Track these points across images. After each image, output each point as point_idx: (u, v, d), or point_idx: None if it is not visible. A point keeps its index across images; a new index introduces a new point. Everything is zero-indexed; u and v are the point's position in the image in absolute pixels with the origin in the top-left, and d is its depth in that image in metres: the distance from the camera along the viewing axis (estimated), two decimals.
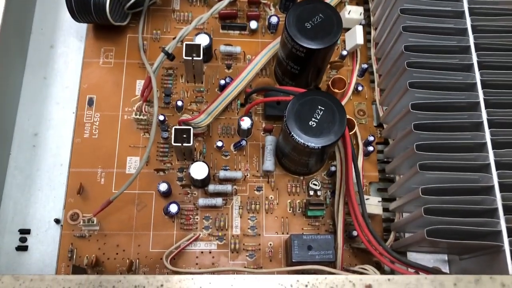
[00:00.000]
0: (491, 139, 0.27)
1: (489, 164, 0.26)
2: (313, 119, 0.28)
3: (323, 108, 0.28)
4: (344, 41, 0.36)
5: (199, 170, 0.30)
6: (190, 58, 0.31)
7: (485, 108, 0.27)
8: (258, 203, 0.32)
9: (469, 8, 0.30)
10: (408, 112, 0.28)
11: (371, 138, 0.33)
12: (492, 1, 0.30)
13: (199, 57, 0.31)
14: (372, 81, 0.36)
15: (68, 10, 0.32)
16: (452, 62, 0.29)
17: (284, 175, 0.33)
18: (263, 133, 0.34)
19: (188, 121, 0.31)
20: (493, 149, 0.27)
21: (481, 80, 0.28)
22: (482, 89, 0.28)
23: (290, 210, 0.32)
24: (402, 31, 0.29)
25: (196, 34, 0.34)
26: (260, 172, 0.33)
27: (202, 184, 0.31)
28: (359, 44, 0.35)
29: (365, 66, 0.35)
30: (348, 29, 0.36)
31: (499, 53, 0.29)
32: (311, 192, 0.32)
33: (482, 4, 0.30)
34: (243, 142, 0.33)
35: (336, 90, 0.34)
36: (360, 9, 0.36)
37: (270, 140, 0.32)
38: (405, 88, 0.28)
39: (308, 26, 0.30)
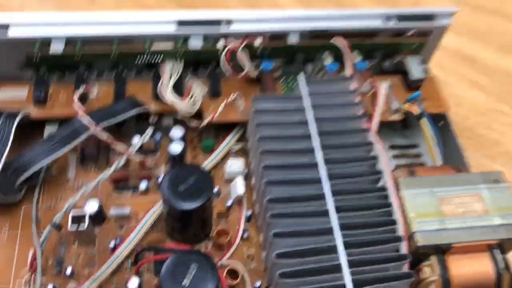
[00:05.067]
0: None
1: None
2: (186, 279, 0.29)
3: (197, 265, 0.30)
4: None
5: None
6: (75, 228, 0.33)
7: None
8: None
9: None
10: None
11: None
12: None
13: (85, 226, 0.33)
14: None
15: None
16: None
17: None
18: None
19: None
20: None
21: None
22: None
23: None
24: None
25: (87, 200, 0.36)
26: None
27: None
28: (240, 195, 0.38)
29: (249, 213, 0.38)
30: (231, 181, 0.39)
31: None
32: None
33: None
34: None
35: (221, 241, 0.36)
36: (241, 161, 0.40)
37: None
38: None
39: (182, 188, 0.33)
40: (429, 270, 0.32)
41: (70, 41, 0.38)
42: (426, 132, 0.41)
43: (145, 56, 0.39)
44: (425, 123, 0.41)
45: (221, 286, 0.31)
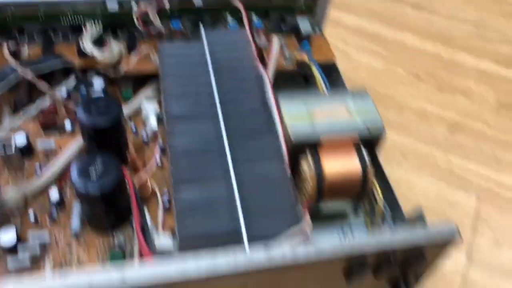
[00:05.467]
0: None
1: None
2: (92, 174, 0.35)
3: (101, 163, 0.35)
4: None
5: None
6: (2, 151, 0.39)
7: None
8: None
9: None
10: None
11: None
12: None
13: (12, 150, 0.39)
14: None
15: None
16: None
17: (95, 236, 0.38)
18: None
19: None
20: None
21: None
22: None
23: None
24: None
25: (15, 134, 0.41)
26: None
27: None
28: (154, 128, 0.44)
29: (162, 145, 0.44)
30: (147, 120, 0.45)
31: None
32: None
33: None
34: (54, 213, 0.38)
35: (137, 165, 0.42)
36: (155, 104, 0.46)
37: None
38: None
39: (94, 110, 0.38)
40: (306, 167, 0.38)
41: (1, 7, 0.45)
42: (316, 77, 0.48)
43: (69, 18, 0.46)
44: (315, 70, 0.48)
45: (126, 181, 0.36)
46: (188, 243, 0.32)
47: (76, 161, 0.35)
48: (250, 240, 0.32)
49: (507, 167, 0.52)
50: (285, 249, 0.31)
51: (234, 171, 0.35)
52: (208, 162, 0.36)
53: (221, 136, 0.37)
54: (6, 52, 0.42)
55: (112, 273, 0.28)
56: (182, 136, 0.37)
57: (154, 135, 0.45)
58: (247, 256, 0.30)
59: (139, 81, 0.48)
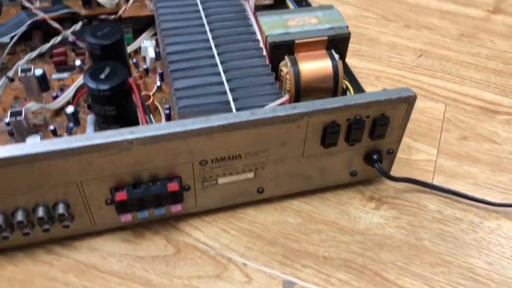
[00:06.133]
0: None
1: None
2: (102, 75, 0.41)
3: (110, 68, 0.41)
4: None
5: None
6: (24, 74, 0.45)
7: None
8: None
9: None
10: None
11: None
12: None
13: (31, 73, 0.45)
14: None
15: None
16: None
17: None
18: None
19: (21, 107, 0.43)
20: None
21: None
22: None
23: None
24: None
25: (33, 67, 0.48)
26: None
27: None
28: (151, 57, 0.50)
29: (160, 71, 0.50)
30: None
31: None
32: None
33: None
34: (71, 124, 0.44)
35: (139, 83, 0.48)
36: (152, 41, 0.53)
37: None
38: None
39: (99, 34, 0.45)
40: (285, 68, 0.44)
41: None
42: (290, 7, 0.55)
43: None
44: (289, 3, 0.55)
45: (130, 85, 0.42)
46: (185, 112, 0.38)
47: (87, 70, 0.41)
48: (237, 110, 0.38)
49: (470, 82, 0.58)
50: (266, 108, 0.37)
51: (221, 65, 0.42)
52: (198, 59, 0.42)
53: (208, 41, 0.44)
54: (25, 1, 0.49)
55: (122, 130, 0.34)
56: (176, 44, 0.44)
57: (153, 66, 0.51)
58: (235, 114, 0.36)
59: (138, 30, 0.55)
